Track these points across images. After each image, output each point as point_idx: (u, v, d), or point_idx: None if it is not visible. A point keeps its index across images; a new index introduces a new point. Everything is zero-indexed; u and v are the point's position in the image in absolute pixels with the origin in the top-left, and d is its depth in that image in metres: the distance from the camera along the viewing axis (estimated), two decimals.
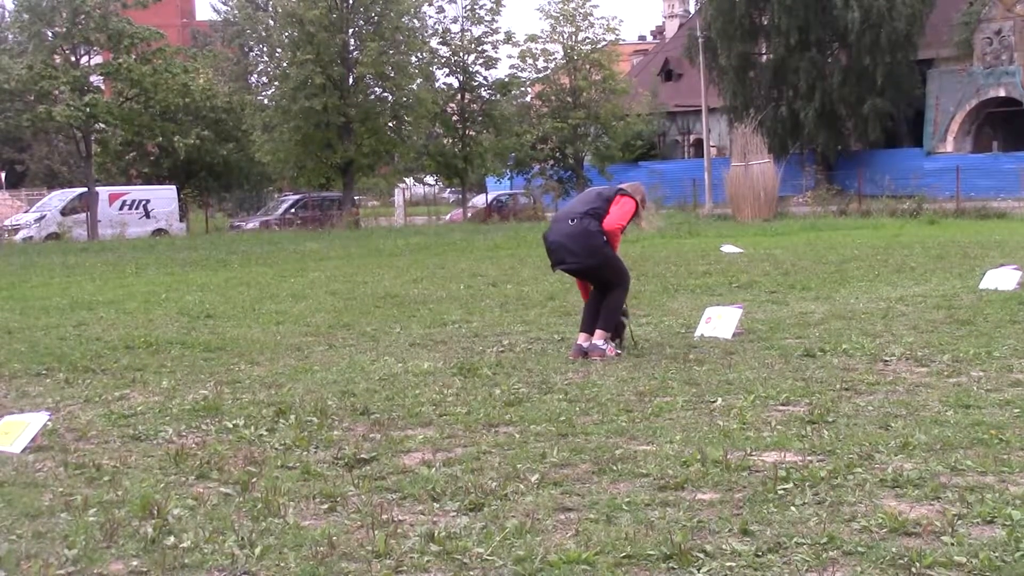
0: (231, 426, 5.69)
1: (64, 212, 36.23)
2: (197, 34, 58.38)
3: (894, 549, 3.52)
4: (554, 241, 7.81)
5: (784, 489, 4.20)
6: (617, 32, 46.91)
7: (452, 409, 5.93)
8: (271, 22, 39.47)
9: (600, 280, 7.91)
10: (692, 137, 53.14)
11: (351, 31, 37.81)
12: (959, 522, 3.77)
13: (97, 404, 6.50)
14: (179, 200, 39.24)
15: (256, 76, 46.17)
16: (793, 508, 3.98)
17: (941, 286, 11.39)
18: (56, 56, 35.91)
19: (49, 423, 5.62)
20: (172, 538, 3.85)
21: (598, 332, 7.68)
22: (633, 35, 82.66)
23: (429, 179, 50.44)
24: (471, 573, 3.50)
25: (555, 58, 45.91)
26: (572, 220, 7.76)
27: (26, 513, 4.25)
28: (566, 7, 45.22)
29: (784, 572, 3.41)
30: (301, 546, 3.75)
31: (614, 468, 4.60)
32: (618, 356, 7.58)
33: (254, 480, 4.60)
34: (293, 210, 41.48)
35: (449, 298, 12.06)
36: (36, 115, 34.54)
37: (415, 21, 39.21)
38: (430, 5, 41.19)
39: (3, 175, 47.71)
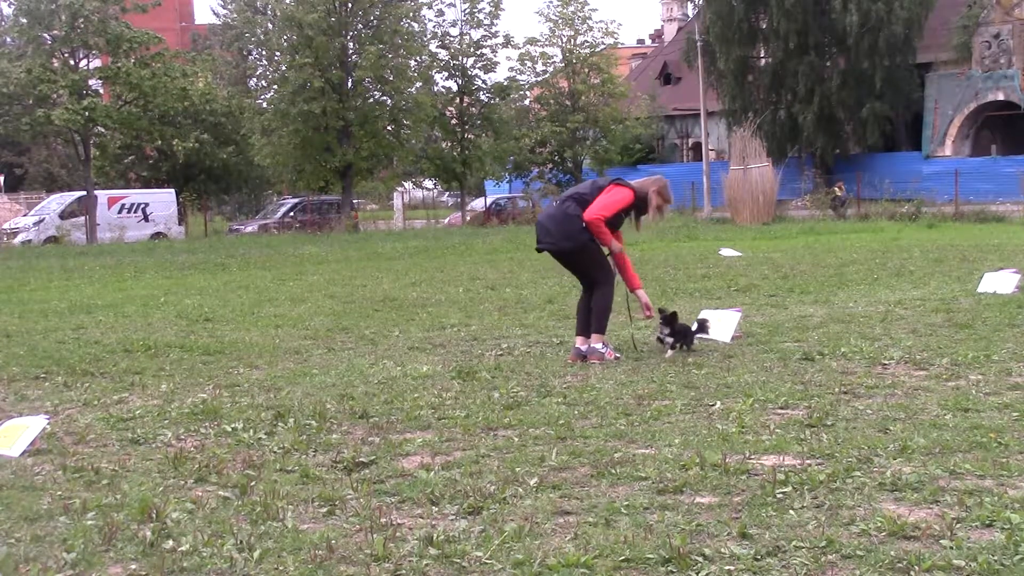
0: (230, 430, 5.69)
1: (63, 216, 36.21)
2: (196, 38, 58.38)
3: (893, 552, 3.52)
4: (539, 222, 7.97)
5: (783, 493, 4.20)
6: (616, 36, 47.01)
7: (451, 413, 5.93)
8: (270, 26, 39.47)
9: (579, 270, 7.93)
10: (691, 141, 53.16)
11: (350, 35, 37.82)
12: (958, 525, 3.77)
13: (96, 408, 6.50)
14: (178, 204, 39.23)
15: (255, 80, 46.13)
16: (792, 512, 3.98)
17: (940, 290, 11.40)
18: (55, 60, 35.90)
19: (48, 427, 5.61)
20: (171, 541, 3.85)
21: (594, 336, 7.68)
22: (632, 39, 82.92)
23: (428, 183, 50.41)
24: None
25: (554, 62, 45.98)
26: (556, 202, 7.89)
27: (25, 516, 4.25)
28: (565, 11, 45.27)
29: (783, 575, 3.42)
30: (300, 549, 3.74)
31: (613, 472, 4.60)
32: (617, 360, 7.58)
33: (253, 484, 4.60)
34: (292, 213, 41.47)
35: (448, 302, 12.06)
36: (35, 119, 34.55)
37: (414, 25, 39.23)
38: (429, 8, 41.27)
39: (2, 179, 47.70)
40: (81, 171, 39.00)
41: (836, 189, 34.75)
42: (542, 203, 42.73)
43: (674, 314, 7.86)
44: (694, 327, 8.00)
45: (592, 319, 7.72)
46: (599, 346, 7.65)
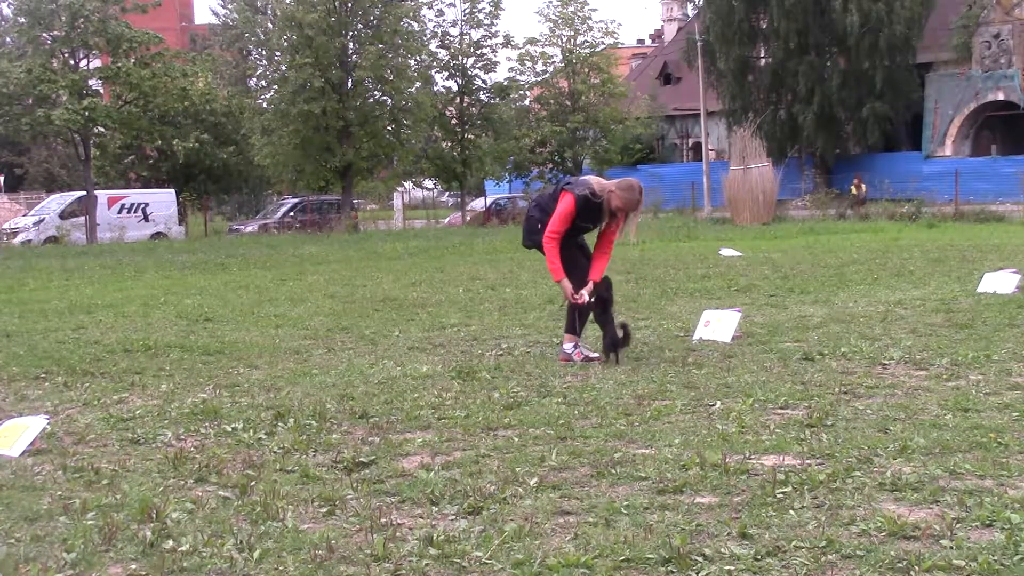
0: (230, 430, 5.69)
1: (63, 215, 36.21)
2: (196, 38, 58.40)
3: (893, 552, 3.52)
4: None
5: (783, 493, 4.20)
6: (616, 36, 47.03)
7: (451, 413, 5.93)
8: (270, 25, 39.47)
9: None
10: (691, 140, 53.18)
11: (350, 35, 37.81)
12: (958, 525, 3.77)
13: (96, 408, 6.50)
14: (178, 203, 39.22)
15: (255, 80, 46.14)
16: (792, 512, 3.98)
17: (940, 290, 11.39)
18: (55, 60, 35.90)
19: (48, 427, 5.61)
20: (171, 542, 3.85)
21: (565, 336, 7.72)
22: (632, 39, 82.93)
23: (428, 183, 50.41)
24: None
25: (554, 61, 45.99)
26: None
27: (25, 516, 4.25)
28: (565, 11, 45.28)
29: None
30: (300, 549, 3.74)
31: (613, 472, 4.60)
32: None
33: (253, 484, 4.60)
34: (292, 213, 41.46)
35: (448, 302, 12.06)
36: (35, 119, 34.54)
37: (414, 24, 39.22)
38: (429, 8, 41.27)
39: (2, 178, 47.71)
40: (81, 171, 39.00)
41: (852, 187, 34.71)
42: None
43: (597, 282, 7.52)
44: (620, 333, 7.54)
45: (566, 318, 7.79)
46: (568, 347, 7.66)
